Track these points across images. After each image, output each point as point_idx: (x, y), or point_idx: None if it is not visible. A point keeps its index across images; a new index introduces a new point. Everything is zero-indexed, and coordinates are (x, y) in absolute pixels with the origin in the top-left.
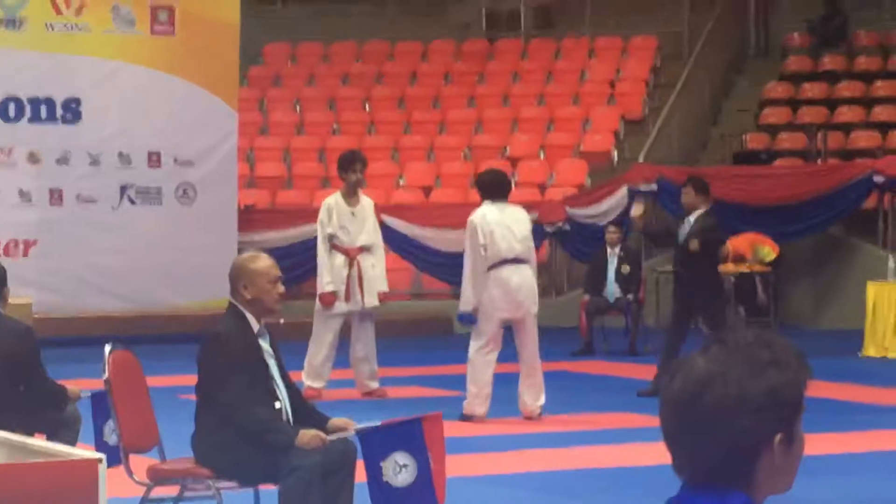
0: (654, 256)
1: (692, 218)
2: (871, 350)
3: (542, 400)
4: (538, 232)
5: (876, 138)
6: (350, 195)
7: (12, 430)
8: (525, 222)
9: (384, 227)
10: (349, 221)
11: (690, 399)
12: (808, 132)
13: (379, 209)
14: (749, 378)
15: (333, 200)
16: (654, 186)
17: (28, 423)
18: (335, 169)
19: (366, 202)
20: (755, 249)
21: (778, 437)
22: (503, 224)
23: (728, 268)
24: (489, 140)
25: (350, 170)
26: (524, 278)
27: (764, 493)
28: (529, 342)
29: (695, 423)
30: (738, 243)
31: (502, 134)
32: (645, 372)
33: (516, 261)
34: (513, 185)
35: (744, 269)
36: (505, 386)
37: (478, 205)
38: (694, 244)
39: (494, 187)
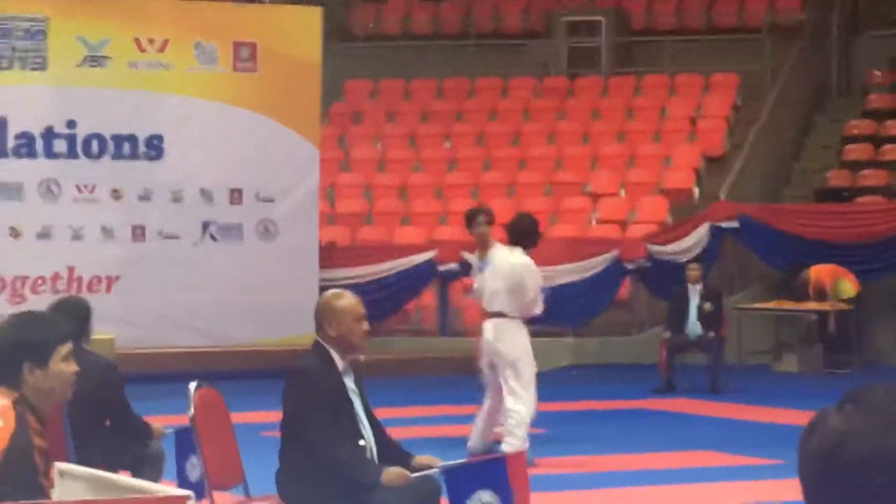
0: (735, 293)
1: None
2: None
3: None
4: (619, 269)
5: None
6: (480, 249)
7: (96, 465)
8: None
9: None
10: (479, 278)
11: (826, 457)
12: (891, 169)
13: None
14: (881, 436)
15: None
16: (735, 224)
17: (112, 459)
18: (415, 205)
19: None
20: (836, 283)
21: None
22: None
23: (809, 305)
24: (570, 177)
25: (472, 224)
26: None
27: None
28: None
29: (830, 480)
30: (820, 273)
31: (583, 171)
32: (725, 410)
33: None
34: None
35: (826, 306)
36: (586, 423)
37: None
38: None
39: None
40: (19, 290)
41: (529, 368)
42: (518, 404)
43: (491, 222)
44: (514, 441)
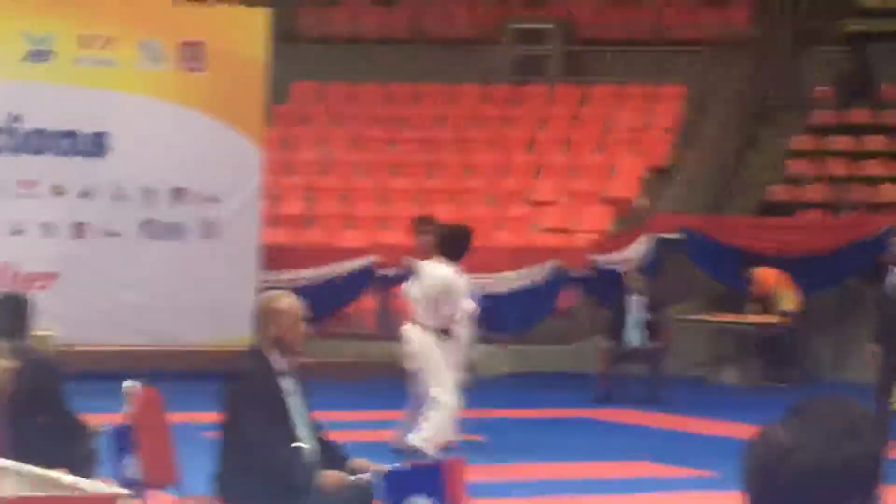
0: (678, 304)
1: None
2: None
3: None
4: (561, 278)
5: None
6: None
7: (33, 462)
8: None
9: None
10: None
11: (770, 469)
12: (834, 184)
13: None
14: (826, 449)
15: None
16: (678, 235)
17: (48, 456)
18: (359, 208)
19: None
20: (779, 292)
21: None
22: None
23: (750, 318)
24: (514, 184)
25: (417, 231)
26: None
27: None
28: None
29: (774, 492)
30: (766, 276)
31: (527, 179)
32: (664, 421)
33: None
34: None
35: (767, 319)
36: (525, 431)
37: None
38: None
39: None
40: None
41: (444, 373)
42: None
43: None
44: (424, 426)
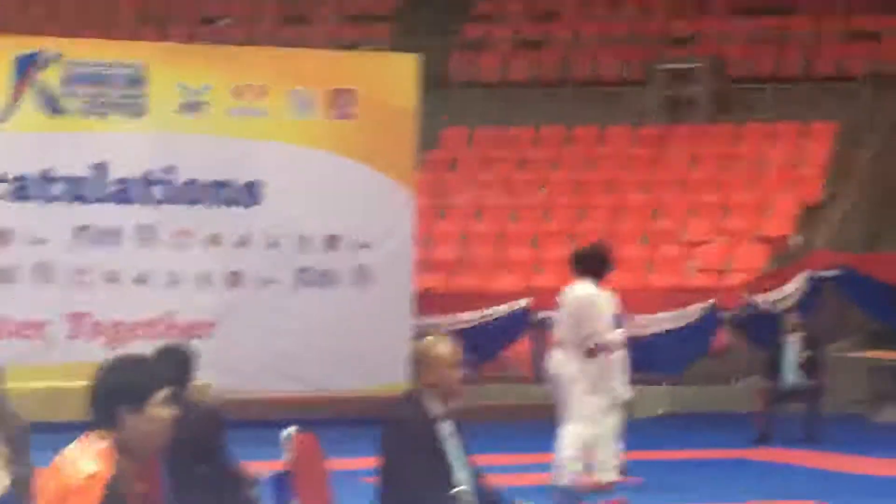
0: (835, 341)
1: None
2: None
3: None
4: (716, 317)
5: None
6: None
7: None
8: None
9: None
10: None
11: None
12: None
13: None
14: None
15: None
16: (833, 272)
17: None
18: (513, 252)
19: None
20: None
21: None
22: None
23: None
24: (667, 225)
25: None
26: None
27: None
28: None
29: None
30: None
31: (680, 219)
32: (823, 460)
33: None
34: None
35: None
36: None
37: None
38: None
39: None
40: (117, 334)
41: (588, 398)
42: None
43: None
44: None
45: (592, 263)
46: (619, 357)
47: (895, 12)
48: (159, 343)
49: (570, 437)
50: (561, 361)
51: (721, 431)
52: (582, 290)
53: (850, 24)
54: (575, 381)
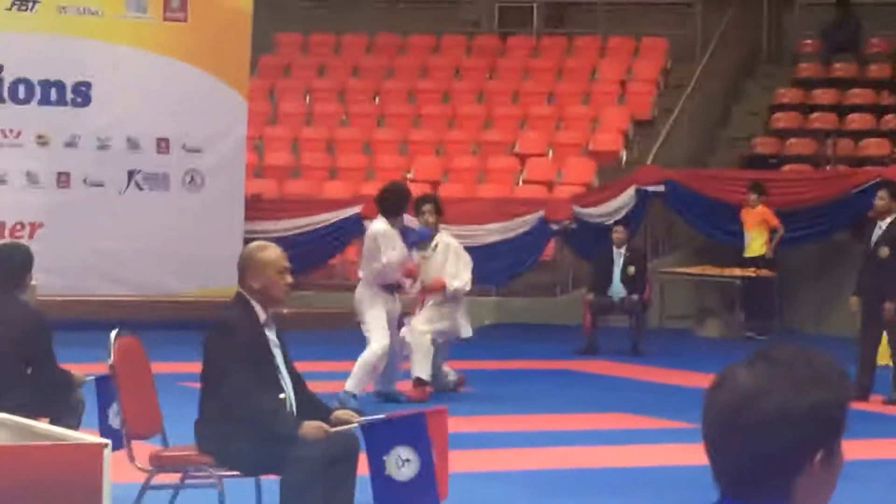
0: (659, 257)
1: (884, 224)
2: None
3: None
4: (544, 230)
5: (885, 146)
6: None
7: (17, 413)
8: None
9: None
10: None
11: (733, 413)
12: (818, 138)
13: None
14: (792, 395)
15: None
16: (661, 188)
17: (33, 407)
18: (343, 160)
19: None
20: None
21: (819, 454)
22: None
23: (733, 271)
24: (498, 136)
25: (418, 213)
26: None
27: None
28: None
29: (737, 436)
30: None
31: (511, 131)
32: (646, 373)
33: None
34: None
35: (749, 272)
36: (507, 382)
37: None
38: (884, 251)
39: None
40: None
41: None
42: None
43: (438, 212)
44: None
45: (389, 201)
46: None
47: None
48: None
49: (368, 355)
50: (359, 292)
51: (547, 343)
52: (376, 226)
53: None
54: (371, 310)
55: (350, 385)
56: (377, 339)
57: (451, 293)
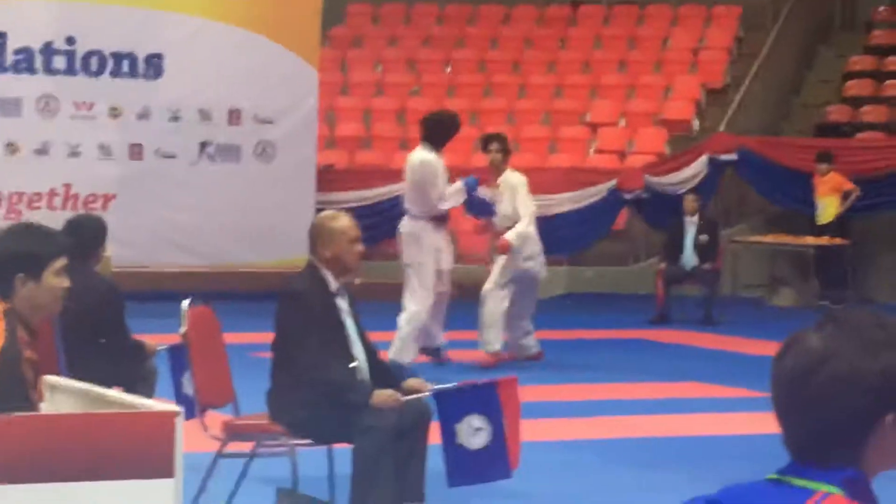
0: (732, 226)
1: None
2: None
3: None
4: (616, 199)
5: None
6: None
7: (91, 382)
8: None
9: None
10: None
11: (803, 376)
12: (892, 105)
13: (458, 171)
14: (863, 358)
15: None
16: (734, 156)
17: (105, 376)
18: (414, 130)
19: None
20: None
21: (890, 417)
22: None
23: (807, 239)
24: (569, 105)
25: (485, 150)
26: None
27: (874, 471)
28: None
29: (806, 400)
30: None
31: (582, 100)
32: (719, 342)
33: None
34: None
35: (823, 241)
36: (580, 351)
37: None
38: None
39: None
40: (15, 205)
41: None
42: (412, 304)
43: (504, 150)
44: (396, 342)
45: (435, 130)
46: (532, 235)
47: None
48: (60, 215)
49: (412, 322)
50: (405, 225)
51: (619, 312)
52: (418, 155)
53: None
54: (422, 249)
55: (394, 354)
56: (419, 299)
57: (518, 248)
